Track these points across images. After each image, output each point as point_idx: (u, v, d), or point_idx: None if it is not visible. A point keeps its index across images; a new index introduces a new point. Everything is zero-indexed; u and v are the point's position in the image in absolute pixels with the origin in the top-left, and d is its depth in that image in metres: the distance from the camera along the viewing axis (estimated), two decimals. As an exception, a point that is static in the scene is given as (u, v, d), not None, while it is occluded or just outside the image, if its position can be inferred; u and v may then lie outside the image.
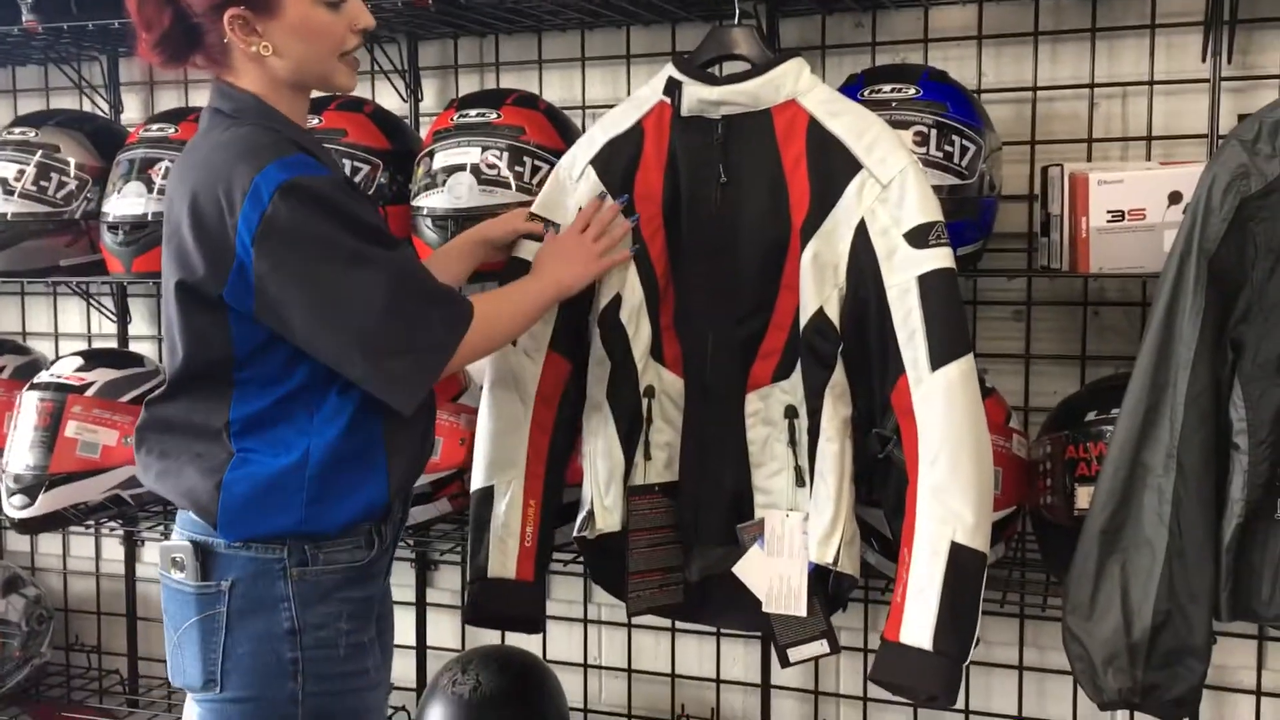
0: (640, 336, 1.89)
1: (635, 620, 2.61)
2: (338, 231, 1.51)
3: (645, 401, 1.91)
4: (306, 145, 1.59)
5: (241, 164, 1.50)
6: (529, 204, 1.97)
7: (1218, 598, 1.72)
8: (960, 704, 2.39)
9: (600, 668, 2.70)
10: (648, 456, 1.92)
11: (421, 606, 2.74)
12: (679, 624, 2.59)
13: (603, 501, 1.90)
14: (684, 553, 1.96)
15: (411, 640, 2.71)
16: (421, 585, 2.74)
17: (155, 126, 2.44)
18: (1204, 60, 2.08)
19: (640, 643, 2.66)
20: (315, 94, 1.76)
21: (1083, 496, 1.89)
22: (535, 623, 2.01)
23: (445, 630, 2.79)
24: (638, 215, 1.86)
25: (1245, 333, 1.69)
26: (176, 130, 2.41)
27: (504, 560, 1.93)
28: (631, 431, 1.91)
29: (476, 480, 1.96)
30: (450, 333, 1.60)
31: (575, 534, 1.95)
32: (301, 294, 1.51)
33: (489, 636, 2.54)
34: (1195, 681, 1.72)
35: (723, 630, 2.55)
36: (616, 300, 1.89)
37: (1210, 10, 2.06)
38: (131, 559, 2.99)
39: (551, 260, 1.81)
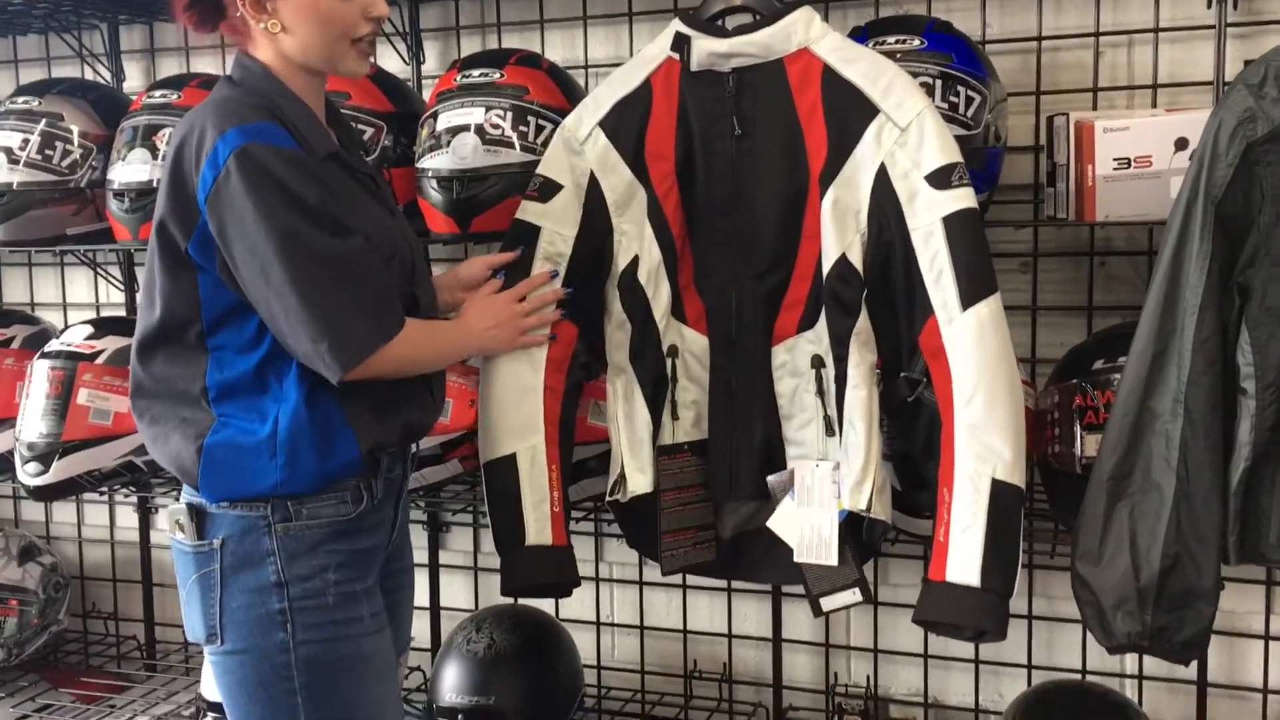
0: (660, 297, 1.90)
1: (647, 577, 2.63)
2: (277, 207, 1.53)
3: (669, 361, 1.91)
4: (289, 117, 1.59)
5: (211, 123, 1.55)
6: (534, 164, 1.97)
7: (1225, 541, 1.73)
8: (969, 654, 2.41)
9: (613, 625, 2.73)
10: (675, 416, 1.93)
11: (435, 567, 2.76)
12: (690, 580, 2.61)
13: (634, 464, 1.91)
14: (715, 510, 1.97)
15: (425, 601, 2.73)
16: (434, 546, 2.76)
17: (158, 93, 2.43)
18: (1209, 6, 2.06)
19: (652, 600, 2.68)
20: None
21: (1090, 444, 1.90)
22: (572, 586, 1.98)
23: (459, 590, 2.81)
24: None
25: (1252, 278, 1.69)
26: (179, 96, 2.40)
27: (540, 527, 1.90)
28: (657, 393, 1.91)
29: (493, 449, 1.92)
30: (371, 332, 1.59)
31: (608, 498, 1.95)
32: (239, 260, 1.55)
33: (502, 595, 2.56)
34: (1204, 624, 1.74)
35: (734, 585, 2.57)
36: (634, 262, 1.89)
37: (1215, -44, 2.05)
38: (146, 525, 3.01)
39: (480, 317, 1.85)
